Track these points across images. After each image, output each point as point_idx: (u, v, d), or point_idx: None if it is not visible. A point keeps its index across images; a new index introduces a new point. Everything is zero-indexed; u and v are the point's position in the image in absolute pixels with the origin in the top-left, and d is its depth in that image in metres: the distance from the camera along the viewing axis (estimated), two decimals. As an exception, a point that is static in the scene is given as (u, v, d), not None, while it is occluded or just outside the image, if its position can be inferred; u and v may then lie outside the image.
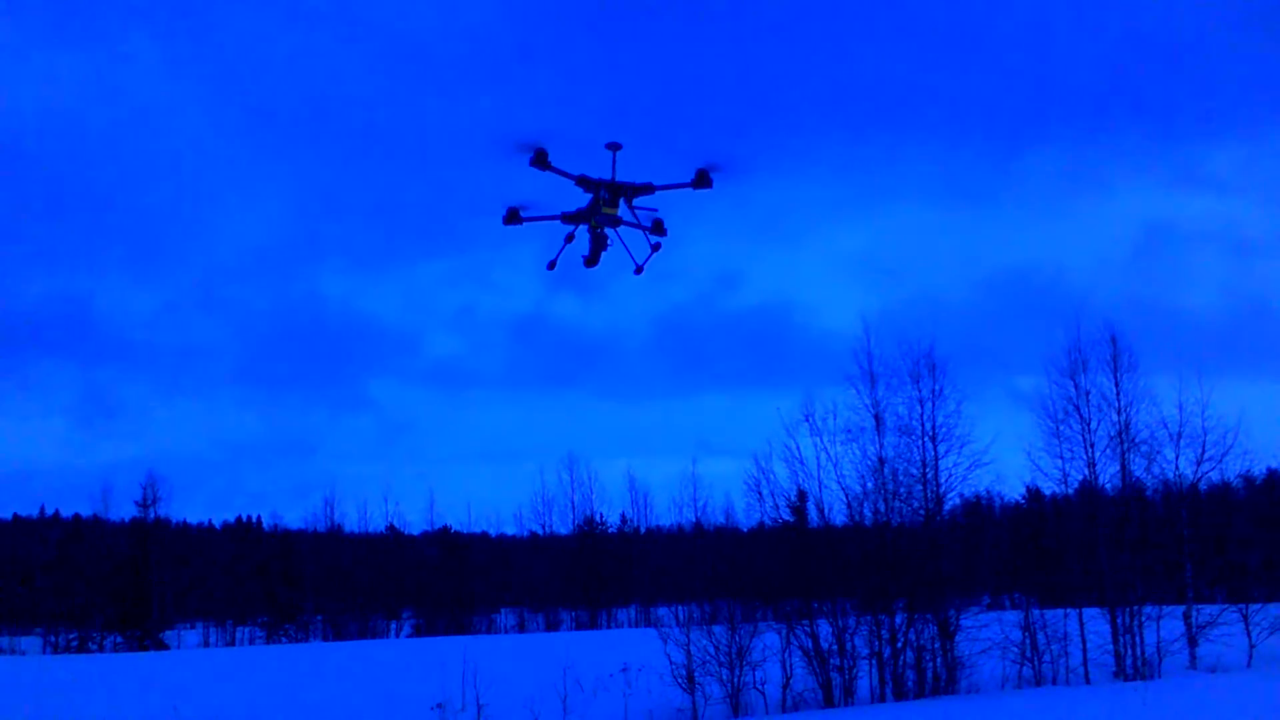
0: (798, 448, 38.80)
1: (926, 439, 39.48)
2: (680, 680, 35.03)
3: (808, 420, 38.80)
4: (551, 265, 16.14)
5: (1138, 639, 38.48)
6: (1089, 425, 41.21)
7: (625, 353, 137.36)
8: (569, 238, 15.79)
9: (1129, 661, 38.32)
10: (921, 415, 39.68)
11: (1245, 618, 40.34)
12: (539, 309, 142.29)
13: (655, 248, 15.99)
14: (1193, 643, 39.09)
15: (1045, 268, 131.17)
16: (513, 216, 15.76)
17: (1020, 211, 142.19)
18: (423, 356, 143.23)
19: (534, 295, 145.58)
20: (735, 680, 35.16)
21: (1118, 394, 41.12)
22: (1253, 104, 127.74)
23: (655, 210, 15.74)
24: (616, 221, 15.40)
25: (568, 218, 15.66)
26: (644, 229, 15.72)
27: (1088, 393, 41.27)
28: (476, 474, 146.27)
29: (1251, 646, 39.62)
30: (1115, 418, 41.02)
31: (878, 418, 39.35)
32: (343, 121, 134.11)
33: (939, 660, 37.05)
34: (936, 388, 39.80)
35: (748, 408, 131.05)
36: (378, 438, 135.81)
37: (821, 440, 38.79)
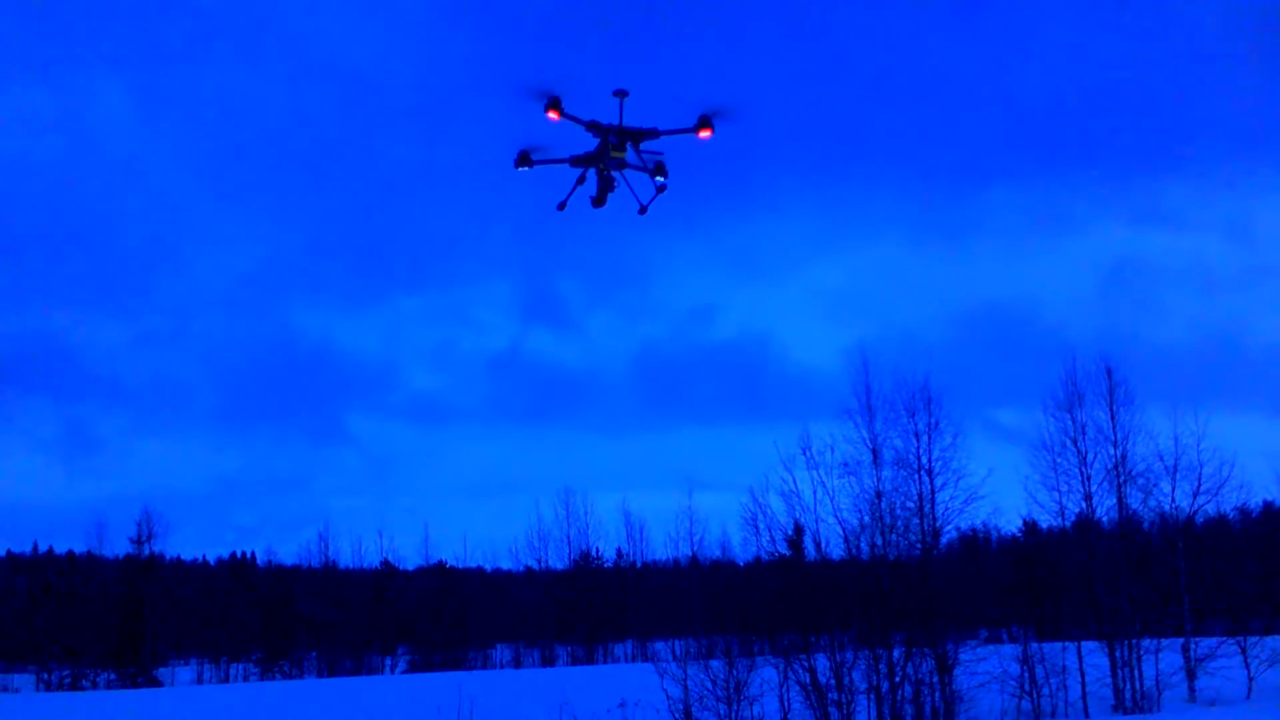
0: (794, 481, 38.74)
1: (923, 473, 39.46)
2: (678, 715, 34.92)
3: (804, 454, 38.76)
4: (562, 206, 16.93)
5: (1136, 672, 38.39)
6: (1085, 458, 41.31)
7: (605, 388, 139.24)
8: (580, 179, 16.51)
9: (1128, 694, 38.20)
10: (918, 449, 39.71)
11: (1243, 650, 40.27)
12: (516, 345, 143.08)
13: (660, 189, 16.77)
14: (1191, 675, 39.00)
15: (1016, 303, 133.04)
16: (524, 159, 16.49)
17: (989, 248, 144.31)
18: (402, 392, 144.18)
19: (510, 332, 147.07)
20: (733, 715, 35.02)
21: (1114, 427, 41.30)
22: (1203, 140, 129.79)
23: (660, 154, 16.42)
24: (623, 164, 16.16)
25: (576, 161, 16.40)
26: (648, 171, 16.39)
27: (1084, 426, 41.40)
28: (469, 508, 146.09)
29: (1250, 679, 39.53)
30: (1112, 451, 41.18)
31: (874, 451, 39.31)
32: (318, 160, 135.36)
33: (937, 694, 36.89)
34: (932, 421, 39.85)
35: (732, 442, 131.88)
36: (365, 473, 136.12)
37: (818, 474, 38.74)
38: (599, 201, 16.48)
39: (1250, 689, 39.17)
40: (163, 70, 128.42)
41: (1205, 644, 39.94)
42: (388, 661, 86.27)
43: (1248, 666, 39.87)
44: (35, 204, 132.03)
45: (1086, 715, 37.54)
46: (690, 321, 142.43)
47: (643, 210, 16.88)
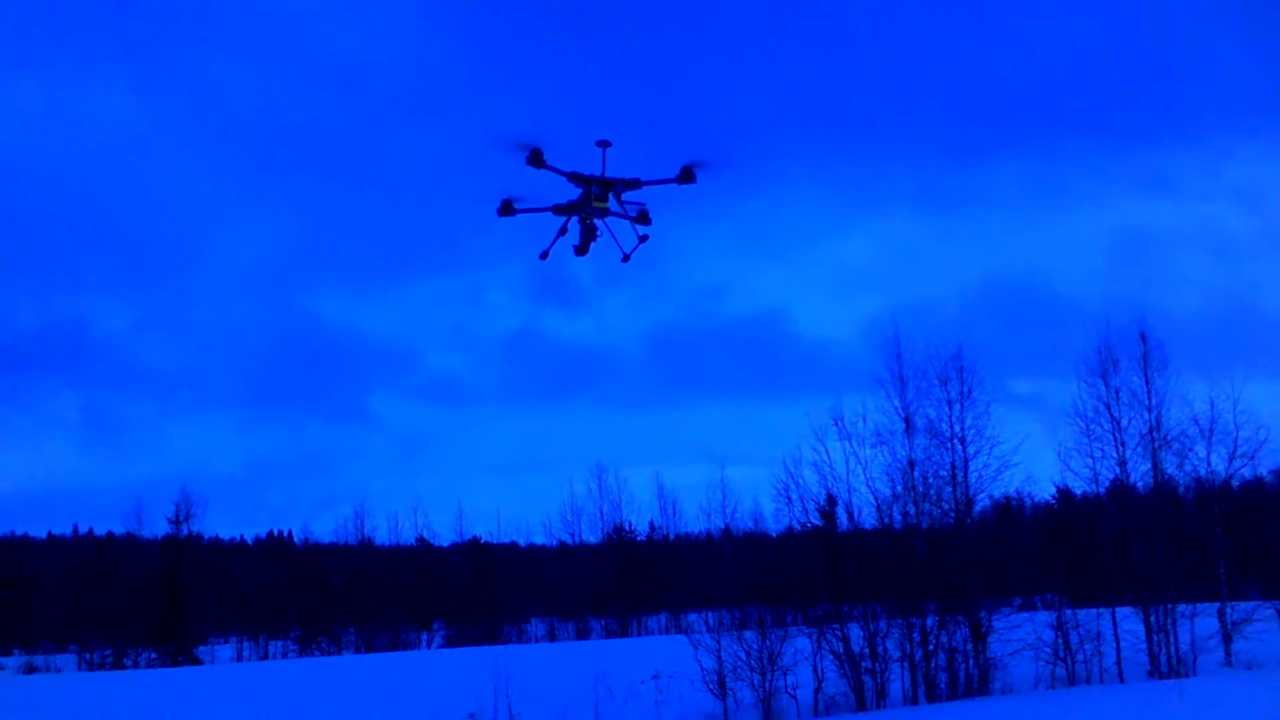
0: (826, 452, 38.81)
1: (955, 441, 39.39)
2: (712, 686, 35.06)
3: (836, 424, 38.82)
4: (544, 255, 17.04)
5: (1172, 637, 38.20)
6: (1119, 424, 41.01)
7: (626, 366, 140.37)
8: (562, 229, 16.58)
9: (1163, 660, 38.05)
10: (950, 418, 39.60)
11: (1280, 613, 40.00)
12: (532, 326, 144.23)
13: (643, 239, 16.94)
14: (1228, 640, 38.75)
15: (1028, 275, 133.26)
16: (506, 208, 16.59)
17: (999, 221, 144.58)
18: (424, 373, 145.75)
19: (526, 313, 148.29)
20: (767, 685, 35.11)
21: (1148, 392, 40.91)
22: (1205, 108, 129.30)
23: (643, 203, 16.49)
24: (606, 213, 16.27)
25: (559, 209, 16.47)
26: (631, 219, 16.51)
27: (1118, 391, 41.11)
28: (501, 485, 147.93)
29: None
30: (1146, 416, 40.80)
31: (906, 420, 39.32)
32: (333, 148, 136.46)
33: (971, 662, 36.90)
34: (964, 390, 39.70)
35: (757, 416, 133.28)
36: (394, 452, 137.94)
37: (850, 444, 38.82)
38: (582, 250, 16.58)
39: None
40: (172, 61, 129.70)
41: (1241, 608, 39.65)
42: (424, 637, 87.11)
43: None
44: (51, 195, 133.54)
45: (1122, 681, 37.43)
46: (706, 298, 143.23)
47: (626, 259, 17.00)
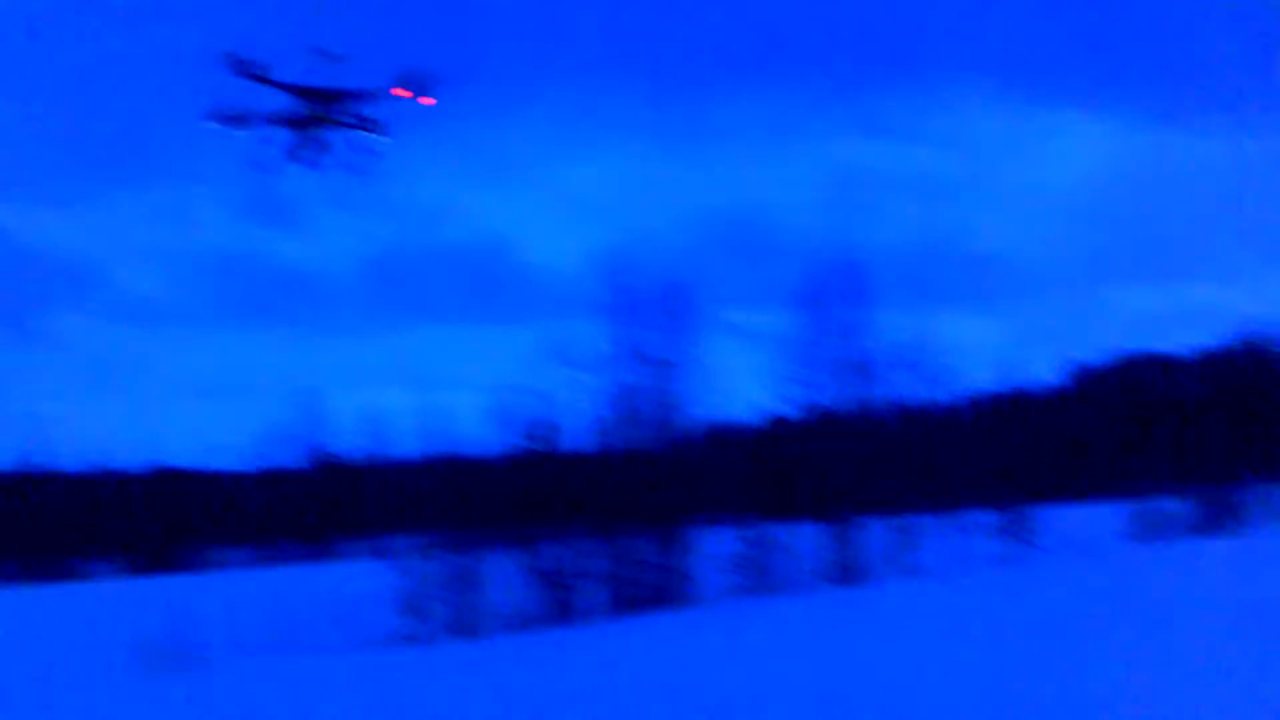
0: (543, 377, 38.71)
1: (670, 367, 40.30)
2: (409, 608, 34.31)
3: (556, 350, 38.59)
4: (271, 170, 15.95)
5: (859, 548, 40.64)
6: (826, 352, 43.36)
7: (341, 289, 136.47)
8: (289, 140, 15.83)
9: (849, 569, 40.31)
10: (667, 345, 40.41)
11: (960, 525, 42.83)
12: (241, 245, 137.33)
13: (375, 148, 16.13)
14: (909, 549, 41.29)
15: (753, 209, 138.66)
16: (230, 120, 15.58)
17: (727, 155, 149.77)
18: (117, 292, 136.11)
19: (236, 231, 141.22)
20: (466, 604, 34.76)
21: (855, 322, 43.31)
22: (918, 59, 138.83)
23: (374, 118, 16.02)
24: (335, 125, 15.64)
25: (286, 121, 15.61)
26: (361, 129, 15.90)
27: (827, 321, 43.27)
28: (200, 411, 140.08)
29: (963, 551, 42.06)
30: (852, 345, 43.26)
31: (625, 347, 39.92)
32: (23, 51, 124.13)
33: (669, 576, 37.81)
34: (681, 319, 40.71)
35: (477, 342, 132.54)
36: (80, 375, 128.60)
37: (567, 370, 38.86)
38: (309, 162, 15.91)
39: (962, 560, 41.65)
40: None
41: (923, 521, 42.24)
42: (109, 568, 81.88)
43: (962, 539, 42.40)
44: None
45: (810, 590, 39.00)
46: (429, 222, 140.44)
47: (357, 170, 16.21)
